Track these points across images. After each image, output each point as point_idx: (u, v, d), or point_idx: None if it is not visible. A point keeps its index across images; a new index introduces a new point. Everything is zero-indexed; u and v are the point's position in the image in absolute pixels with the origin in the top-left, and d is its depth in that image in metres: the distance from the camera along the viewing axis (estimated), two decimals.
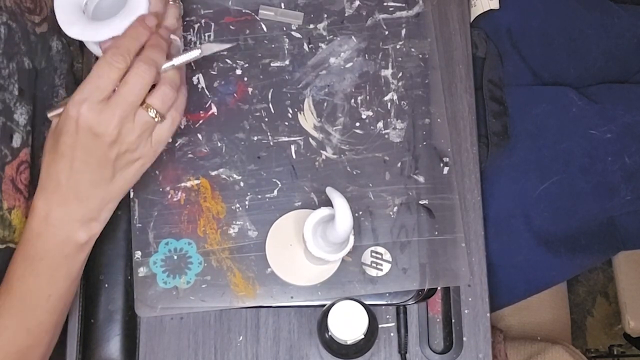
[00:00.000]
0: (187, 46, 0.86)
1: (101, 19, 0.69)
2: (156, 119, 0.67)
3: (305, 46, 0.87)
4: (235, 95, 0.85)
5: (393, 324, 0.82)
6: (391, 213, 0.82)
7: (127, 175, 0.69)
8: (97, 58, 0.71)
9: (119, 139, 0.65)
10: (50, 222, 0.66)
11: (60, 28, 0.68)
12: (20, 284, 0.67)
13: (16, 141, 0.70)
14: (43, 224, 0.67)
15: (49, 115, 0.69)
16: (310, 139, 0.84)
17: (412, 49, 0.87)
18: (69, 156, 0.65)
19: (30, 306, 0.68)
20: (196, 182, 0.82)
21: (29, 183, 0.71)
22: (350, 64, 0.87)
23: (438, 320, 0.83)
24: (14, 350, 0.67)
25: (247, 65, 0.86)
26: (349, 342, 0.67)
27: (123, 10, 0.67)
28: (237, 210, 0.81)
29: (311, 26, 0.88)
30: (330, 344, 0.71)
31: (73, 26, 0.67)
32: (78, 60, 0.87)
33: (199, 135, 0.83)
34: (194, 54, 0.70)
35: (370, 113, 0.85)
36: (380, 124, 0.85)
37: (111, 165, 0.66)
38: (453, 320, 0.82)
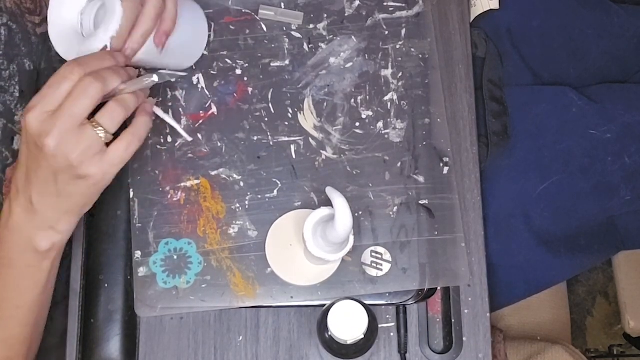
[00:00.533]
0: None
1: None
2: (103, 138, 0.64)
3: (305, 46, 0.87)
4: (235, 95, 0.85)
5: (393, 323, 0.82)
6: (391, 213, 0.82)
7: (74, 193, 0.66)
8: None
9: (58, 152, 0.62)
10: (10, 228, 0.66)
11: None
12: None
13: (17, 143, 0.70)
14: (5, 230, 0.67)
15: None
16: (310, 139, 0.84)
17: (412, 49, 0.87)
18: (23, 165, 0.65)
19: (1, 317, 0.68)
20: (196, 182, 0.82)
21: None
22: (350, 64, 0.87)
23: (438, 320, 0.83)
24: None
25: (247, 65, 0.86)
26: (349, 342, 0.67)
27: (103, 22, 0.66)
28: (237, 210, 0.81)
29: (311, 26, 0.88)
30: (330, 344, 0.71)
31: (69, 51, 0.67)
32: None
33: (199, 135, 0.83)
34: (148, 80, 0.68)
35: (370, 113, 0.85)
36: (380, 124, 0.85)
37: (52, 179, 0.64)
38: (453, 320, 0.82)
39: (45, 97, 0.62)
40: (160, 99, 0.84)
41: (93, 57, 0.64)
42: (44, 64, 0.77)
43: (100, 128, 0.63)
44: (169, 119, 0.73)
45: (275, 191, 0.82)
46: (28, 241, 0.67)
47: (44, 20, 0.77)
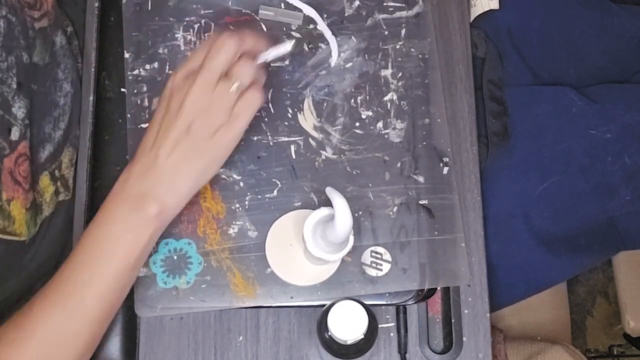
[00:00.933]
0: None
1: None
2: (235, 90, 0.69)
3: (305, 46, 0.87)
4: None
5: (393, 324, 0.82)
6: (391, 213, 0.82)
7: (202, 151, 0.70)
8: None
9: (196, 106, 0.69)
10: (123, 185, 0.69)
11: (63, 23, 0.68)
12: (91, 249, 0.68)
13: (14, 134, 0.70)
14: (121, 188, 0.69)
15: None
16: (310, 139, 0.84)
17: (412, 49, 0.87)
18: (157, 124, 0.70)
19: (97, 272, 0.67)
20: None
21: (27, 175, 0.71)
22: (350, 64, 0.87)
23: (438, 320, 0.83)
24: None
25: None
26: (348, 342, 0.67)
27: None
28: (237, 210, 0.81)
29: (311, 26, 0.88)
30: (330, 344, 0.71)
31: None
32: (78, 59, 0.87)
33: None
34: (283, 47, 0.74)
35: (370, 113, 0.85)
36: (380, 124, 0.85)
37: (185, 136, 0.69)
38: (453, 320, 0.82)
39: (190, 59, 0.70)
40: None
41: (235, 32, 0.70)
42: (47, 58, 0.77)
43: (235, 80, 0.69)
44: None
45: (275, 191, 0.82)
46: (139, 200, 0.68)
47: (44, 15, 0.77)
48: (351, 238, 0.73)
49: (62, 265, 0.68)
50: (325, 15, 0.88)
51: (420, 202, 0.83)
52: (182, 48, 0.86)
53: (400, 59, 0.87)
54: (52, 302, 0.66)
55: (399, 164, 0.83)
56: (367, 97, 0.86)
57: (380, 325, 0.81)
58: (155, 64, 0.85)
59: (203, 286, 0.79)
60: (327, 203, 0.69)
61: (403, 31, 0.88)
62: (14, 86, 0.70)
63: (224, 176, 0.82)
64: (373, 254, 0.81)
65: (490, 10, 1.00)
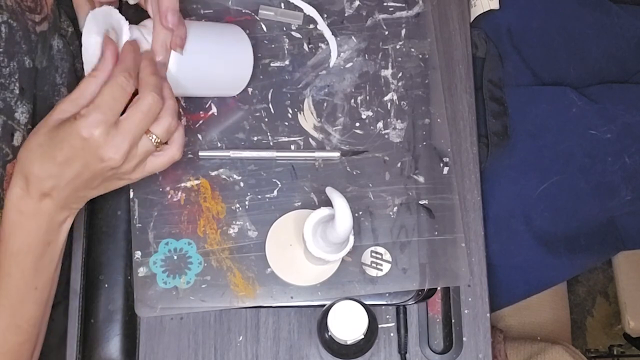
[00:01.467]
0: None
1: None
2: (157, 148, 0.68)
3: (305, 46, 0.87)
4: (235, 95, 0.85)
5: (393, 324, 0.82)
6: (391, 213, 0.82)
7: (109, 187, 0.70)
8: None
9: (120, 165, 0.66)
10: (28, 214, 0.66)
11: (60, 27, 0.68)
12: (7, 281, 0.67)
13: (17, 139, 0.70)
14: (21, 216, 0.66)
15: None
16: (310, 139, 0.84)
17: (412, 49, 0.87)
18: (61, 164, 0.65)
19: (18, 302, 0.68)
20: (196, 182, 0.82)
21: None
22: (350, 64, 0.87)
23: (438, 320, 0.83)
24: (6, 350, 0.68)
25: None
26: (348, 342, 0.67)
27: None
28: (237, 210, 0.81)
29: (311, 26, 0.88)
30: (330, 344, 0.71)
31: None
32: (79, 60, 0.87)
33: (199, 136, 0.83)
34: None
35: (370, 113, 0.85)
36: (380, 124, 0.85)
37: (101, 179, 0.67)
38: (453, 321, 0.82)
39: (111, 110, 0.64)
40: None
41: (133, 62, 0.67)
42: (45, 62, 0.77)
43: (156, 138, 0.67)
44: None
45: (275, 191, 0.82)
46: (49, 222, 0.68)
47: (44, 19, 0.77)
48: (351, 238, 0.73)
49: None
50: (325, 15, 0.88)
51: (420, 202, 0.83)
52: None
53: (400, 59, 0.87)
54: None
55: (399, 164, 0.83)
56: (367, 97, 0.86)
57: (380, 326, 0.81)
58: None
59: (203, 286, 0.79)
60: (327, 203, 0.69)
61: (403, 31, 0.88)
62: (17, 91, 0.70)
63: (224, 176, 0.82)
64: (373, 254, 0.81)
65: (491, 10, 1.00)
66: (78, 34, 0.86)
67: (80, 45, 0.86)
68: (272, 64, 0.86)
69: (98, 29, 0.70)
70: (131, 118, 0.65)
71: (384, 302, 0.81)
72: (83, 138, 0.63)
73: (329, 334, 0.67)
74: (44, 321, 0.73)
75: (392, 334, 0.82)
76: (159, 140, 0.68)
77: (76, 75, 0.85)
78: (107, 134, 0.64)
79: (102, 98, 0.64)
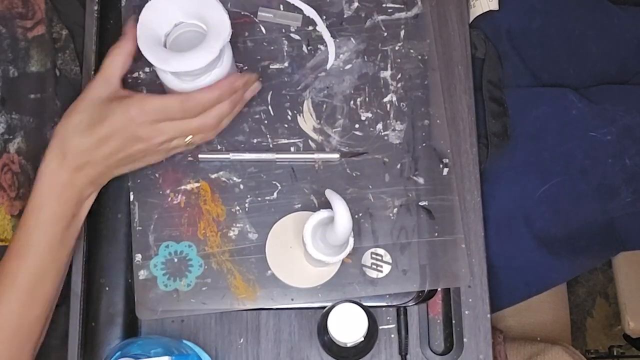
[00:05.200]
0: None
1: (177, 50, 0.71)
2: (188, 148, 0.76)
3: (304, 48, 0.87)
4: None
5: (393, 325, 0.82)
6: (391, 214, 0.82)
7: (133, 168, 0.76)
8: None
9: (151, 148, 0.72)
10: (61, 186, 0.70)
11: (52, 31, 0.68)
12: (33, 252, 0.70)
13: None
14: (53, 188, 0.70)
15: None
16: (309, 141, 0.84)
17: (411, 50, 0.87)
18: (100, 139, 0.70)
19: (40, 275, 0.70)
20: (196, 184, 0.82)
21: (12, 183, 0.72)
22: (350, 65, 0.87)
23: (438, 321, 0.83)
24: (20, 323, 0.70)
25: (246, 67, 0.86)
26: (349, 345, 0.67)
27: (203, 43, 0.69)
28: (237, 212, 0.81)
29: (310, 28, 0.88)
30: (331, 347, 0.71)
31: (157, 57, 0.69)
32: (76, 63, 0.87)
33: None
34: None
35: (370, 115, 0.85)
36: (379, 126, 0.85)
37: (131, 159, 0.73)
38: (453, 322, 0.82)
39: (166, 107, 0.71)
40: None
41: (226, 95, 0.74)
42: (50, 64, 0.77)
43: (191, 142, 0.75)
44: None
45: (275, 193, 0.82)
46: (79, 193, 0.72)
47: (37, 24, 0.76)
48: (351, 240, 0.73)
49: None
50: (324, 17, 0.88)
51: (420, 203, 0.83)
52: None
53: (399, 60, 0.87)
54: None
55: (398, 166, 0.84)
56: (367, 99, 0.86)
57: (380, 327, 0.81)
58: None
59: (204, 289, 0.79)
60: (327, 205, 0.69)
61: (402, 32, 0.88)
62: None
63: (224, 179, 0.82)
64: (373, 256, 0.81)
65: (490, 11, 1.00)
66: (73, 37, 0.86)
67: (76, 49, 0.86)
68: (271, 66, 0.86)
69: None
70: (176, 126, 0.72)
71: (385, 304, 0.81)
72: (130, 119, 0.69)
73: (329, 336, 0.67)
74: (53, 308, 0.74)
75: (392, 336, 0.82)
76: (191, 143, 0.75)
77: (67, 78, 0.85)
78: (150, 124, 0.70)
79: (165, 104, 0.70)
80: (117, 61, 0.72)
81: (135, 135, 0.70)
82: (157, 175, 0.82)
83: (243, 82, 0.76)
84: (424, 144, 0.85)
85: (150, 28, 0.70)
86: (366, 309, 0.67)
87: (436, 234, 0.82)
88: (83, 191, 0.72)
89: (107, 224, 0.83)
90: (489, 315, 0.83)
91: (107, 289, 0.81)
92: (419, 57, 0.87)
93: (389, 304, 0.81)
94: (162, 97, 0.70)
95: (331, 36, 0.87)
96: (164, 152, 0.75)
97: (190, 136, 0.74)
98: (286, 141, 0.84)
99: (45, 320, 0.73)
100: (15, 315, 0.69)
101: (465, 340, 0.82)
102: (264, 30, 0.87)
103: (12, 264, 0.70)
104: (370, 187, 0.83)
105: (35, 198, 0.70)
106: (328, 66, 0.86)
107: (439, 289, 0.82)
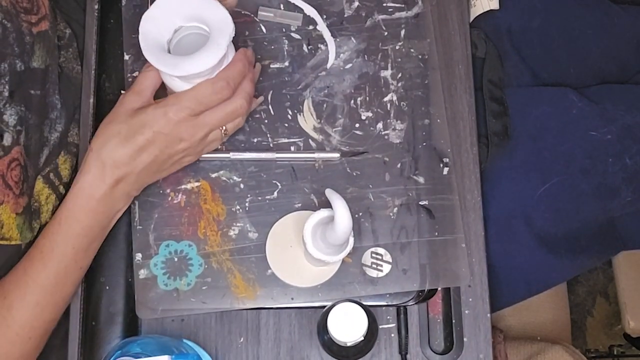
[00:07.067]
0: None
1: (181, 54, 0.71)
2: (223, 139, 0.77)
3: (305, 47, 0.87)
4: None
5: (393, 324, 0.82)
6: (391, 214, 0.82)
7: (171, 170, 0.77)
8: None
9: (192, 147, 0.74)
10: (99, 199, 0.71)
11: (57, 28, 0.67)
12: (60, 260, 0.71)
13: (7, 140, 0.70)
14: (90, 201, 0.71)
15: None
16: (310, 140, 0.84)
17: (412, 50, 0.87)
18: (141, 148, 0.71)
19: (62, 281, 0.72)
20: (196, 184, 0.82)
21: (19, 180, 0.71)
22: (350, 65, 0.87)
23: (438, 320, 0.83)
24: (38, 325, 0.71)
25: None
26: (349, 344, 0.67)
27: (209, 42, 0.70)
28: (237, 212, 0.81)
29: (310, 27, 0.88)
30: (331, 346, 0.71)
31: (167, 64, 0.70)
32: (77, 61, 0.87)
33: None
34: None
35: (370, 114, 0.85)
36: (379, 125, 0.85)
37: (171, 161, 0.75)
38: (453, 321, 0.82)
39: (199, 104, 0.71)
40: None
41: (237, 74, 0.73)
42: (49, 60, 0.77)
43: (226, 131, 0.76)
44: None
45: (275, 193, 0.82)
46: (113, 207, 0.74)
47: (42, 19, 0.76)
48: (351, 239, 0.73)
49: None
50: (325, 16, 0.88)
51: (420, 202, 0.83)
52: None
53: (399, 59, 0.87)
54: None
55: (399, 165, 0.84)
56: (367, 98, 0.86)
57: (380, 326, 0.81)
58: None
59: (204, 288, 0.79)
60: (328, 204, 0.69)
61: (402, 32, 0.88)
62: (6, 94, 0.70)
63: (224, 178, 0.82)
64: (373, 255, 0.81)
65: (490, 10, 1.00)
66: (76, 35, 0.86)
67: (78, 48, 0.86)
68: (271, 66, 0.86)
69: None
70: (215, 114, 0.73)
71: (385, 303, 0.81)
72: (169, 119, 0.70)
73: (329, 335, 0.67)
74: (66, 306, 0.76)
75: (392, 335, 0.82)
76: (227, 132, 0.76)
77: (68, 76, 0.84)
78: (189, 120, 0.71)
79: (197, 91, 0.71)
80: (148, 77, 0.74)
81: (177, 136, 0.71)
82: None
83: (251, 52, 0.77)
84: (424, 144, 0.84)
85: (152, 38, 0.71)
86: (366, 308, 0.67)
87: (436, 234, 0.82)
88: (117, 205, 0.74)
89: None
90: (489, 315, 0.83)
91: (107, 288, 0.81)
92: (420, 56, 0.87)
93: (389, 303, 0.81)
94: (192, 88, 0.71)
95: (332, 35, 0.87)
96: (202, 149, 0.76)
97: (224, 127, 0.75)
98: (286, 140, 0.84)
99: (54, 324, 0.74)
100: (31, 315, 0.70)
101: (465, 339, 0.82)
102: (264, 30, 0.87)
103: (36, 265, 0.71)
104: (371, 186, 0.83)
105: (69, 209, 0.72)
106: (328, 65, 0.86)
107: (439, 289, 0.82)
